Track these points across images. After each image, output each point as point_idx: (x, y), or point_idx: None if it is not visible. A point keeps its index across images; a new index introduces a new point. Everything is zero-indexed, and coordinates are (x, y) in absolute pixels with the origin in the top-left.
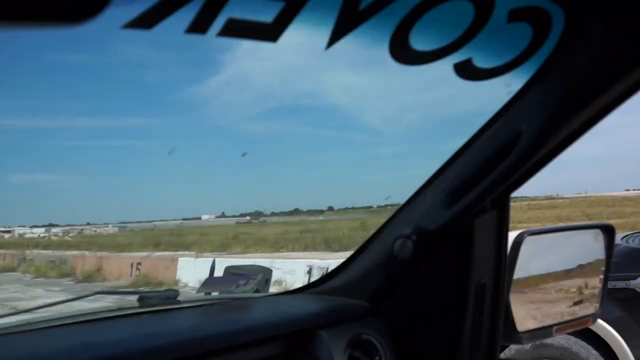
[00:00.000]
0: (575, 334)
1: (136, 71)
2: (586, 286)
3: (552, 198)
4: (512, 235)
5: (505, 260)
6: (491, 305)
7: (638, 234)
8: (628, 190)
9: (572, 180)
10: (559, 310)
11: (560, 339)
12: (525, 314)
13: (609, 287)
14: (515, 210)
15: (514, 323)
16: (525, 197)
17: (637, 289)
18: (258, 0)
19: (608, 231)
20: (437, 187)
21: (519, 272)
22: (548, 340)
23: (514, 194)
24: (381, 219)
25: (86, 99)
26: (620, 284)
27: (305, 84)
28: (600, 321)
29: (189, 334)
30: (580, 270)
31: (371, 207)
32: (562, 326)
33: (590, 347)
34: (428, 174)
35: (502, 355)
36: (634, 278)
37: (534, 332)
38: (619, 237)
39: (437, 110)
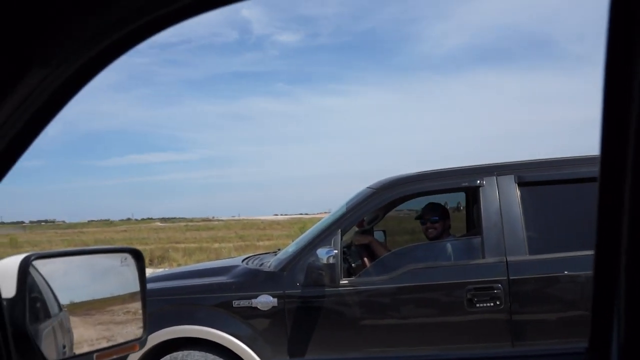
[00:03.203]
0: (213, 351)
1: None
2: (131, 309)
3: (208, 220)
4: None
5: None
6: None
7: (257, 256)
8: (276, 215)
9: (227, 204)
10: (102, 336)
11: (199, 357)
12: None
13: (236, 305)
14: (174, 230)
15: (42, 353)
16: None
17: (258, 307)
18: None
19: (137, 255)
20: None
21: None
22: (187, 359)
23: (173, 215)
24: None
25: None
26: (245, 303)
27: None
28: (232, 338)
29: None
30: (122, 295)
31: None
32: (105, 352)
33: None
34: None
35: None
36: (255, 297)
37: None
38: (239, 259)
39: None
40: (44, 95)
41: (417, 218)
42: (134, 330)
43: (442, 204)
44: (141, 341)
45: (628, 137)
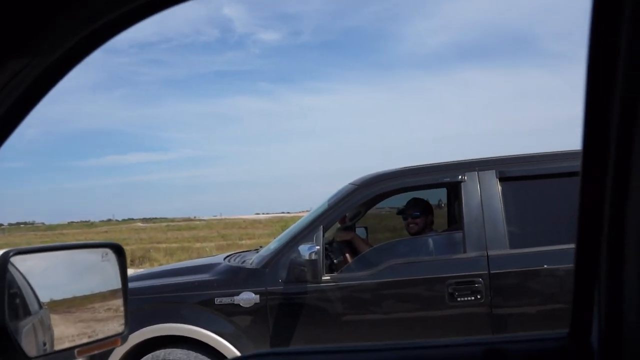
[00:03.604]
0: (196, 349)
1: None
2: (112, 306)
3: (190, 220)
4: None
5: None
6: None
7: (239, 254)
8: (258, 214)
9: (209, 204)
10: (83, 332)
11: (182, 355)
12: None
13: (218, 303)
14: (156, 230)
15: (22, 349)
16: (165, 218)
17: (241, 304)
18: None
19: (118, 250)
20: None
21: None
22: (170, 357)
23: (155, 215)
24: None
25: None
26: (227, 300)
27: None
28: (215, 335)
29: None
30: (104, 292)
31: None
32: (86, 347)
33: None
34: None
35: None
36: (237, 294)
37: (49, 355)
38: (221, 257)
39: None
40: (22, 86)
41: (398, 213)
42: (116, 327)
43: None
44: (122, 336)
45: (610, 133)
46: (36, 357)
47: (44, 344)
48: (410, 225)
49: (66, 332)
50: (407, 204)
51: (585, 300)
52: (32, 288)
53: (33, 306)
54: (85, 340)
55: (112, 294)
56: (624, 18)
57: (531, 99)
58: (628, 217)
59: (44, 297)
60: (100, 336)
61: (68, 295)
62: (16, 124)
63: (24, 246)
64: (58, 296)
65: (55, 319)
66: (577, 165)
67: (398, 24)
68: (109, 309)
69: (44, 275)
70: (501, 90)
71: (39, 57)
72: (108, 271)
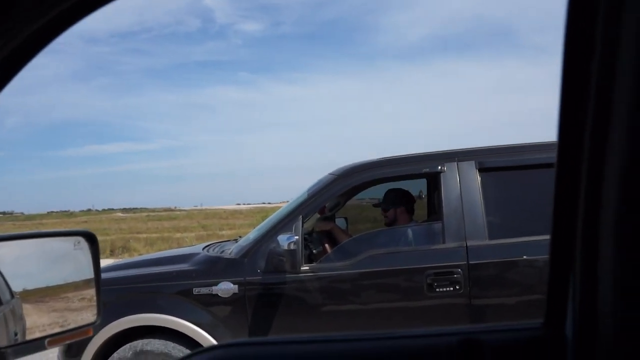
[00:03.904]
0: (174, 339)
1: None
2: (86, 296)
3: (170, 210)
4: None
5: None
6: None
7: (218, 244)
8: (239, 204)
9: (189, 194)
10: (55, 322)
11: (160, 345)
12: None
13: (196, 293)
14: (136, 220)
15: None
16: (145, 208)
17: (219, 294)
18: None
19: (90, 238)
20: None
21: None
22: (148, 347)
23: (135, 205)
24: None
25: None
26: (205, 290)
27: None
28: (193, 326)
29: None
30: (78, 279)
31: None
32: (57, 337)
33: (189, 351)
34: None
35: None
36: (216, 284)
37: (20, 346)
38: (200, 247)
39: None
40: None
41: (375, 205)
42: (89, 316)
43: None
44: (95, 325)
45: (585, 125)
46: (6, 347)
47: (15, 334)
48: (384, 217)
49: (38, 322)
50: (384, 195)
51: (560, 291)
52: (3, 277)
53: (4, 295)
54: (57, 329)
55: (85, 283)
56: (600, 9)
57: (511, 90)
58: (603, 209)
59: (16, 287)
60: (72, 326)
61: (41, 284)
62: None
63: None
64: (31, 285)
65: (27, 309)
66: (554, 156)
67: (378, 16)
68: (82, 299)
69: (15, 264)
70: (482, 82)
71: (3, 39)
72: (81, 260)
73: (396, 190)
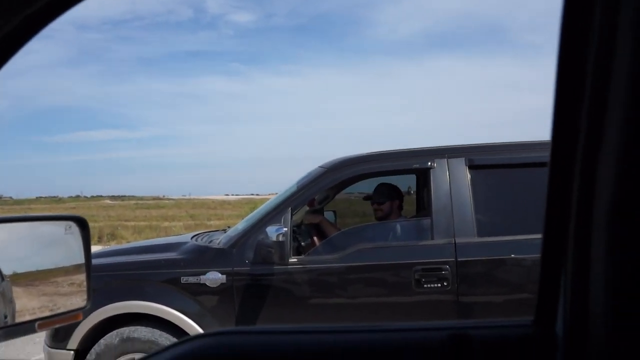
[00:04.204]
0: (161, 327)
1: None
2: (76, 281)
3: (159, 199)
4: None
5: None
6: None
7: (207, 234)
8: (227, 195)
9: (178, 183)
10: (44, 305)
11: (146, 333)
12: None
13: (184, 282)
14: (124, 208)
15: None
16: (133, 196)
17: (207, 283)
18: None
19: (81, 224)
20: None
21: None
22: (135, 335)
23: (123, 193)
24: None
25: None
26: (193, 279)
27: None
28: (180, 314)
29: None
30: (68, 264)
31: None
32: (47, 321)
33: (175, 339)
34: None
35: (92, 351)
36: (204, 273)
37: (10, 328)
38: (188, 236)
39: None
40: None
41: (365, 199)
42: (79, 301)
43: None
44: (84, 310)
45: (579, 124)
46: None
47: (5, 317)
48: (377, 211)
49: (28, 305)
50: (375, 189)
51: (551, 289)
52: None
53: None
54: (47, 313)
55: (75, 268)
56: (596, 8)
57: (502, 88)
58: (596, 208)
59: (6, 270)
60: (62, 310)
61: (31, 268)
62: None
63: None
64: (21, 269)
65: (17, 292)
66: (546, 155)
67: (371, 10)
68: (72, 284)
69: (6, 247)
70: (473, 80)
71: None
72: (71, 245)
73: (389, 185)
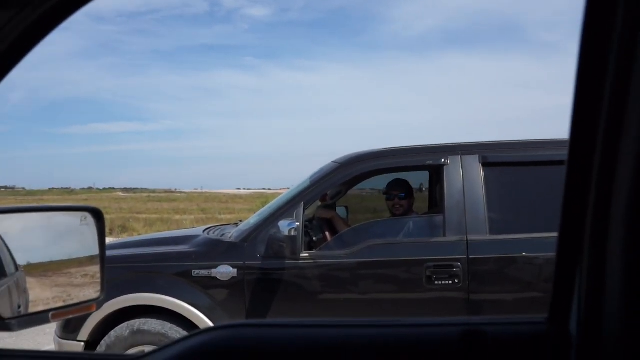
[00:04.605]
0: (171, 320)
1: None
2: (89, 272)
3: (170, 192)
4: None
5: None
6: None
7: (218, 227)
8: (239, 189)
9: (190, 176)
10: (58, 296)
11: (157, 326)
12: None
13: (195, 275)
14: (136, 200)
15: None
16: (146, 189)
17: (218, 277)
18: None
19: (97, 215)
20: None
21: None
22: (145, 327)
23: (136, 186)
24: None
25: None
26: (204, 273)
27: None
28: (190, 307)
29: None
30: (82, 256)
31: None
32: (61, 311)
33: (186, 332)
34: None
35: (102, 343)
36: (215, 267)
37: (24, 318)
38: (200, 229)
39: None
40: (9, 38)
41: (384, 193)
42: (92, 293)
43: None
44: (98, 302)
45: (598, 123)
46: (10, 319)
47: (19, 307)
48: (396, 207)
49: (42, 296)
50: (392, 184)
51: (566, 287)
52: (8, 249)
53: (9, 268)
54: (60, 304)
55: (89, 259)
56: (618, 9)
57: (516, 87)
58: (613, 207)
59: (21, 260)
60: (76, 301)
61: (45, 259)
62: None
63: (1, 206)
64: (35, 259)
65: (31, 282)
66: (560, 154)
67: (386, 6)
68: (85, 275)
69: (21, 237)
70: (487, 77)
71: (27, 9)
72: (86, 236)
73: (406, 181)
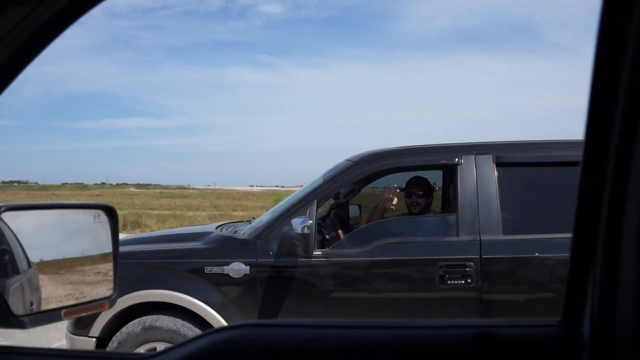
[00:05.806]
0: (183, 316)
1: None
2: (102, 270)
3: (183, 188)
4: None
5: None
6: None
7: (231, 224)
8: (252, 186)
9: (203, 173)
10: (70, 294)
11: (168, 322)
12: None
13: (207, 272)
14: (149, 196)
15: (9, 307)
16: (158, 185)
17: (230, 274)
18: None
19: (110, 212)
20: None
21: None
22: (157, 324)
23: (148, 181)
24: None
25: None
26: (217, 270)
27: None
28: (202, 304)
29: None
30: (95, 253)
31: None
32: (73, 309)
33: (197, 329)
34: None
35: (114, 339)
36: (228, 264)
37: (36, 315)
38: (213, 226)
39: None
40: (26, 32)
41: (402, 190)
42: (104, 290)
43: (432, 185)
44: (111, 300)
45: (614, 123)
46: (23, 316)
47: (31, 304)
48: (414, 204)
49: (54, 293)
50: (411, 182)
51: (579, 290)
52: (22, 246)
53: (22, 265)
54: (73, 302)
55: (102, 257)
56: (634, 8)
57: (529, 86)
58: (628, 209)
59: (34, 257)
60: (88, 299)
61: (58, 256)
62: (16, 74)
63: (15, 203)
64: (48, 257)
65: (44, 279)
66: (574, 155)
67: (401, 4)
68: (98, 273)
69: (34, 234)
70: (500, 77)
71: (42, 5)
72: (100, 233)
73: (426, 179)
